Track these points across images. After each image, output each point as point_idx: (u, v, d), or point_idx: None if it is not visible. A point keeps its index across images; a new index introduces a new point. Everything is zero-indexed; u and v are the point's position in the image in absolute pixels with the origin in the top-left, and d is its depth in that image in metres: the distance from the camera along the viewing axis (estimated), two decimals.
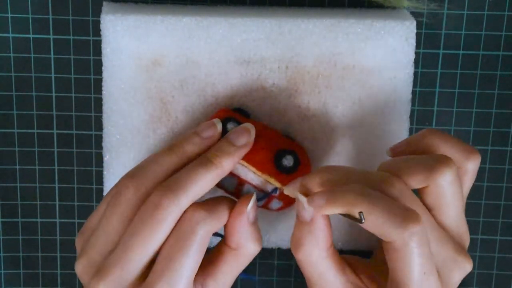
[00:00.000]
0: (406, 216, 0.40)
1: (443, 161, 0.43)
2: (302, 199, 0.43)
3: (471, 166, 0.45)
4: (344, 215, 0.42)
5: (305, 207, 0.43)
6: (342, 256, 0.47)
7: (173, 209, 0.42)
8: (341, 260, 0.46)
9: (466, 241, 0.46)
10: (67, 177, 0.55)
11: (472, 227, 0.56)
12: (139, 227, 0.42)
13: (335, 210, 0.42)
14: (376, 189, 0.42)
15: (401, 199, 0.42)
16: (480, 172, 0.55)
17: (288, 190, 0.45)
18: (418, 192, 0.44)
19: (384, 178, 0.43)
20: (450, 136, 0.46)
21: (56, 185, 0.55)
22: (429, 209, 0.44)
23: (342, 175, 0.43)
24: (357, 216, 0.41)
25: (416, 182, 0.43)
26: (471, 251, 0.57)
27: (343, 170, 0.44)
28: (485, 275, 0.57)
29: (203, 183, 0.44)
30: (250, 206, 0.45)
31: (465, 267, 0.44)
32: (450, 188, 0.43)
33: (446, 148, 0.45)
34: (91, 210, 0.55)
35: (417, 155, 0.45)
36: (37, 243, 0.56)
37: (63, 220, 0.56)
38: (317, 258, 0.44)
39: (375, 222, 0.41)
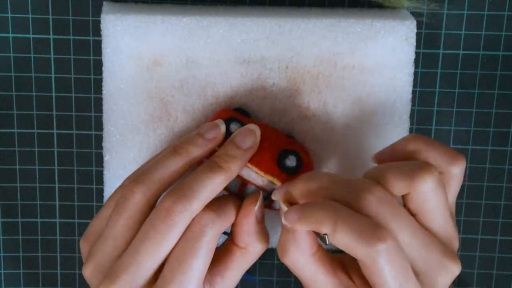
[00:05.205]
0: (373, 234, 0.40)
1: (424, 168, 0.43)
2: (283, 208, 0.44)
3: (456, 170, 0.45)
4: (315, 233, 0.42)
5: (283, 220, 0.43)
6: (335, 255, 0.47)
7: (185, 215, 0.43)
8: (332, 261, 0.46)
9: (455, 245, 0.45)
10: (67, 177, 0.55)
11: (472, 227, 0.56)
12: (150, 232, 0.43)
13: (305, 227, 0.42)
14: (356, 198, 0.42)
15: (380, 206, 0.42)
16: (480, 172, 0.55)
17: (275, 196, 0.46)
18: (401, 198, 0.44)
19: (364, 186, 0.42)
20: (434, 141, 0.45)
21: (56, 185, 0.55)
22: (413, 214, 0.44)
23: (323, 185, 0.43)
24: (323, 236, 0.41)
25: (397, 189, 0.43)
26: (471, 251, 0.57)
27: (325, 179, 0.44)
28: (485, 275, 0.57)
29: (213, 187, 0.44)
30: (258, 205, 0.45)
31: (452, 270, 0.44)
32: (432, 195, 0.43)
33: (430, 153, 0.45)
34: (91, 210, 0.55)
35: (398, 162, 0.45)
36: (37, 243, 0.56)
37: (63, 220, 0.56)
38: (304, 263, 0.45)
39: (342, 241, 0.41)
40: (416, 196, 0.43)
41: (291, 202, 0.44)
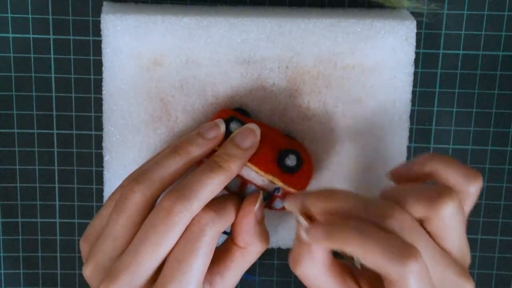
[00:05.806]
0: (404, 253, 0.40)
1: (446, 193, 0.43)
2: (303, 223, 0.43)
3: (473, 189, 0.45)
4: (341, 253, 0.42)
5: (303, 235, 0.43)
6: (343, 262, 0.47)
7: (185, 215, 0.43)
8: (342, 270, 0.46)
9: (467, 262, 0.45)
10: (67, 177, 0.55)
11: (472, 227, 0.56)
12: (150, 232, 0.43)
13: (332, 246, 0.42)
14: (378, 220, 0.42)
15: (401, 231, 0.42)
16: (480, 172, 0.55)
17: (290, 207, 0.45)
18: (419, 220, 0.44)
19: (386, 210, 0.42)
20: (452, 160, 0.45)
21: (56, 185, 0.55)
22: (431, 235, 0.44)
23: (345, 205, 0.43)
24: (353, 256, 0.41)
25: (418, 212, 0.43)
26: (471, 251, 0.56)
27: (347, 199, 0.43)
28: (485, 275, 0.57)
29: (213, 187, 0.44)
30: (258, 205, 0.45)
31: None
32: (452, 219, 0.43)
33: (448, 173, 0.45)
34: (91, 210, 0.55)
35: (419, 184, 0.45)
36: (37, 243, 0.56)
37: (63, 220, 0.56)
38: (316, 274, 0.44)
39: (373, 260, 0.40)
40: (436, 220, 0.43)
41: (307, 215, 0.44)
